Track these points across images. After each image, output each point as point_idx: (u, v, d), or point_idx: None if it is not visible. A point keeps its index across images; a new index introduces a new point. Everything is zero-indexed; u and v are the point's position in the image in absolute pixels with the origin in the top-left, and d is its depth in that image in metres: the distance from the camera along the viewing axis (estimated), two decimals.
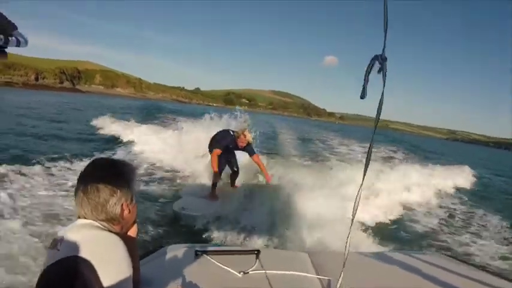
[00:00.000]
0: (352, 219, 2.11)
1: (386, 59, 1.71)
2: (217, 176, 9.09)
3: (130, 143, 15.90)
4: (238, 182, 10.11)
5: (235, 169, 9.84)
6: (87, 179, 1.73)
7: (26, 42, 1.32)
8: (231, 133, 9.22)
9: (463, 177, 16.07)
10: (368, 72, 1.72)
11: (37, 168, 9.94)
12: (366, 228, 8.46)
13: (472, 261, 3.78)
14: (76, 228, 1.68)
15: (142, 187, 10.01)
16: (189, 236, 7.24)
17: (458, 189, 14.57)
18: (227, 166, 9.68)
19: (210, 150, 9.19)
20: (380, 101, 1.78)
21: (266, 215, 8.04)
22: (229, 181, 10.07)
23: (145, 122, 20.32)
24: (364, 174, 2.00)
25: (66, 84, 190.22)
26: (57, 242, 1.62)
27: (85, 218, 1.71)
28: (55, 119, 24.89)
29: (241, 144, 8.99)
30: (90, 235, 1.63)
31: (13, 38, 1.25)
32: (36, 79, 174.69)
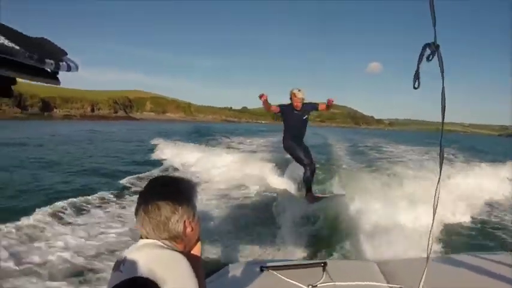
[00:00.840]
0: (432, 224, 2.04)
1: (438, 46, 1.65)
2: (299, 159, 9.10)
3: (189, 165, 16.14)
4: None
5: (312, 163, 9.34)
6: (147, 198, 1.70)
7: (77, 67, 1.32)
8: (287, 104, 8.89)
9: None
10: (419, 60, 1.67)
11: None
12: (434, 232, 8.20)
13: None
14: (138, 248, 1.64)
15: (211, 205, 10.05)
16: (250, 252, 7.12)
17: None
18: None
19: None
20: (442, 92, 1.72)
21: (328, 226, 7.93)
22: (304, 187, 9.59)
23: (199, 143, 20.56)
24: (439, 178, 1.93)
25: (120, 113, 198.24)
26: (119, 264, 1.60)
27: (147, 238, 1.68)
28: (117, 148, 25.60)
29: (297, 104, 8.68)
30: (153, 254, 1.59)
31: (64, 63, 1.25)
32: (92, 110, 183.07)
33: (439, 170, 1.89)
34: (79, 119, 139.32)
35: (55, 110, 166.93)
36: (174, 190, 1.73)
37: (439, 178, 1.88)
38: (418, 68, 1.71)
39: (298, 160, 9.25)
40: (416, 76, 1.73)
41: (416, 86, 1.75)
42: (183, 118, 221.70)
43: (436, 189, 1.92)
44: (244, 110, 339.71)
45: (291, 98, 8.68)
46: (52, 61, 1.18)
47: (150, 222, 1.65)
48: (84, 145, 26.77)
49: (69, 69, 1.27)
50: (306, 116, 9.02)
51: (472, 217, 9.85)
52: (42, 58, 1.14)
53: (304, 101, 8.75)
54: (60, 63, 1.22)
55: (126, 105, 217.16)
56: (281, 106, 8.88)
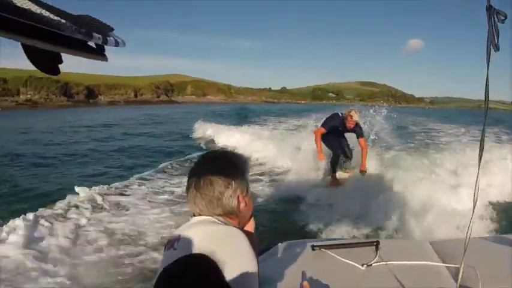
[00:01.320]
0: (474, 204, 2.05)
1: (491, 7, 1.60)
2: (334, 149, 9.55)
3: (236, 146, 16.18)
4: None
5: (349, 155, 9.91)
6: (198, 173, 1.64)
7: (124, 43, 1.27)
8: (340, 115, 9.27)
9: None
10: (491, 24, 1.61)
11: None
12: (482, 212, 7.93)
13: None
14: (192, 225, 1.59)
15: (257, 185, 10.06)
16: (304, 231, 7.20)
17: None
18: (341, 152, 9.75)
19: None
20: (487, 52, 1.65)
21: (378, 205, 7.84)
22: (343, 168, 10.06)
23: (241, 124, 20.58)
24: (480, 157, 1.86)
25: (163, 97, 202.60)
26: (173, 242, 1.55)
27: (200, 215, 1.63)
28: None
29: (350, 125, 9.01)
30: (209, 230, 1.53)
31: (111, 38, 1.21)
32: (135, 96, 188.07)
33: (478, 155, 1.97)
34: (123, 105, 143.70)
35: (99, 97, 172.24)
36: (226, 164, 1.68)
37: (480, 161, 1.96)
38: (492, 30, 1.63)
39: (331, 148, 9.83)
40: (494, 38, 1.65)
41: (496, 49, 1.66)
42: (223, 100, 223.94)
43: (478, 168, 1.98)
44: (283, 91, 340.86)
45: (346, 118, 9.03)
46: (100, 35, 1.15)
47: (203, 199, 1.61)
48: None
49: (117, 44, 1.24)
50: (348, 132, 9.54)
51: None
52: (90, 32, 1.10)
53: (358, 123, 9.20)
54: (108, 38, 1.19)
55: (167, 90, 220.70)
56: (328, 125, 9.35)
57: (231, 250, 1.46)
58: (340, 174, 9.99)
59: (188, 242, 1.48)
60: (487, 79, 1.70)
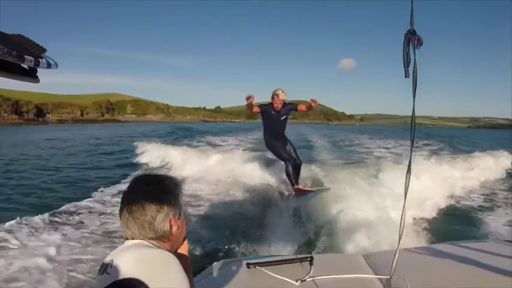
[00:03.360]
0: (402, 216, 2.19)
1: (414, 32, 1.64)
2: (280, 156, 9.05)
3: (172, 165, 15.89)
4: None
5: (297, 159, 9.23)
6: (131, 197, 1.59)
7: (56, 64, 1.26)
8: (268, 103, 8.79)
9: (503, 161, 15.54)
10: (404, 48, 1.64)
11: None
12: (414, 223, 8.13)
13: None
14: (125, 249, 1.53)
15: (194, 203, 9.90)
16: (235, 251, 7.03)
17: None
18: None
19: None
20: (414, 78, 1.68)
21: (312, 221, 7.87)
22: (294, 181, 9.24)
23: (179, 144, 20.30)
24: (409, 170, 1.93)
25: (106, 116, 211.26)
26: (106, 266, 1.49)
27: (133, 239, 1.58)
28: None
29: (277, 105, 8.54)
30: (142, 254, 1.48)
31: (43, 60, 1.19)
32: (82, 114, 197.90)
33: (408, 163, 2.08)
34: (72, 123, 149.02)
35: (48, 115, 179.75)
36: (158, 188, 1.63)
37: (409, 167, 2.09)
38: (405, 57, 1.66)
39: (279, 156, 9.23)
40: (406, 64, 1.67)
41: (407, 75, 1.69)
42: (163, 119, 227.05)
43: (406, 178, 2.12)
44: (218, 110, 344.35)
45: (272, 98, 8.57)
46: (31, 58, 1.13)
47: (135, 223, 1.55)
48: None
49: (49, 66, 1.22)
50: (285, 116, 8.94)
51: (455, 207, 9.87)
52: (22, 54, 1.08)
53: (285, 102, 8.68)
54: (40, 60, 1.17)
55: (109, 109, 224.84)
56: (261, 106, 8.80)
57: (162, 273, 1.42)
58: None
59: (120, 267, 1.42)
60: (413, 110, 1.74)
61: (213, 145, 20.01)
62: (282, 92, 8.53)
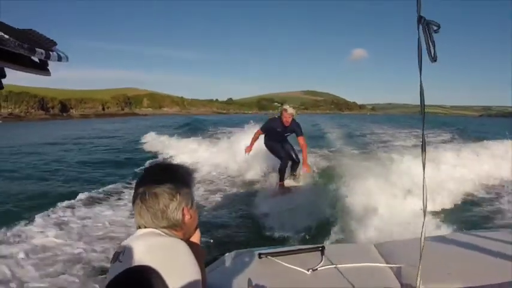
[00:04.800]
0: (425, 204, 1.94)
1: (421, 18, 1.57)
2: (280, 156, 9.18)
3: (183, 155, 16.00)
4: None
5: (295, 159, 9.46)
6: (144, 186, 1.59)
7: (67, 57, 1.28)
8: (277, 117, 8.98)
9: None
10: (426, 35, 1.55)
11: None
12: (428, 213, 8.00)
13: None
14: (137, 237, 1.55)
15: (202, 194, 9.96)
16: (251, 241, 6.96)
17: None
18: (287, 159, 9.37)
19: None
20: (419, 60, 1.61)
21: (324, 210, 7.78)
22: (292, 174, 9.71)
23: (195, 135, 20.34)
24: (424, 160, 1.81)
25: (126, 110, 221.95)
26: (118, 254, 1.51)
27: (145, 227, 1.58)
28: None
29: (286, 120, 8.65)
30: (154, 242, 1.50)
31: (54, 53, 1.20)
32: (103, 109, 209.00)
33: (421, 152, 1.85)
34: (94, 118, 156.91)
35: (71, 110, 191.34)
36: (171, 177, 1.63)
37: (424, 164, 1.84)
38: (427, 40, 1.56)
39: (276, 155, 9.39)
40: (431, 47, 1.56)
41: (434, 59, 1.57)
42: (178, 112, 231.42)
43: (423, 171, 1.87)
44: (230, 102, 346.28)
45: (281, 113, 8.72)
46: (42, 50, 1.13)
47: (148, 211, 1.56)
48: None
49: (59, 59, 1.23)
50: (288, 134, 9.14)
51: (468, 196, 9.70)
52: (33, 47, 1.08)
53: (294, 116, 8.87)
54: (51, 53, 1.17)
55: (126, 103, 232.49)
56: (264, 128, 9.12)
57: (173, 261, 1.43)
58: (288, 182, 9.69)
59: (132, 255, 1.43)
60: (421, 88, 1.65)
61: (226, 136, 19.86)
62: (291, 107, 8.78)
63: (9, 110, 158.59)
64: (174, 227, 1.60)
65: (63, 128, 49.89)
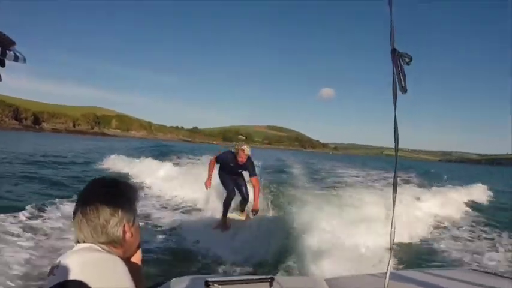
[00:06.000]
0: (392, 241, 1.82)
1: (395, 50, 1.55)
2: (230, 189, 8.93)
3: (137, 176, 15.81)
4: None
5: (245, 196, 9.23)
6: (85, 199, 1.51)
7: (24, 59, 1.25)
8: (232, 151, 8.83)
9: (479, 194, 15.71)
10: (397, 67, 1.54)
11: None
12: (385, 250, 7.99)
13: (507, 274, 3.45)
14: (74, 252, 1.46)
15: (151, 217, 9.76)
16: (198, 268, 6.80)
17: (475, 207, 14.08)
18: (237, 192, 9.15)
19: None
20: (394, 93, 1.58)
21: (277, 243, 7.68)
22: (239, 209, 9.50)
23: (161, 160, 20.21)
24: (394, 198, 1.79)
25: (96, 129, 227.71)
26: (53, 269, 1.40)
27: (84, 242, 1.50)
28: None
29: (241, 159, 8.49)
30: (89, 258, 1.42)
31: (11, 52, 1.17)
32: (74, 125, 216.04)
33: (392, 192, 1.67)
34: (65, 133, 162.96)
35: (43, 123, 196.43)
36: (114, 192, 1.56)
37: (394, 202, 1.67)
38: (398, 72, 1.55)
39: (226, 187, 9.13)
40: (401, 80, 1.55)
41: (403, 90, 1.56)
42: (145, 136, 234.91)
43: (393, 208, 1.71)
44: (195, 130, 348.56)
45: (237, 152, 8.56)
46: None
47: (88, 225, 1.47)
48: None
49: (16, 59, 1.20)
50: (241, 171, 8.97)
51: (426, 236, 9.79)
52: None
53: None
54: (8, 52, 1.15)
55: (95, 122, 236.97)
56: (219, 158, 8.94)
57: (106, 278, 1.36)
58: (234, 216, 9.40)
59: (66, 269, 1.35)
60: (396, 121, 1.63)
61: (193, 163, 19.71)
62: (247, 147, 8.65)
63: None
64: (113, 243, 1.51)
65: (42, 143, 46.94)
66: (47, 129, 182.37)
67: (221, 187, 9.34)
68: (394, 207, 1.83)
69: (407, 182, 19.83)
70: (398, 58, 1.58)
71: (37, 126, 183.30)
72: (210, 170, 8.84)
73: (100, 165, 20.80)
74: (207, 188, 8.97)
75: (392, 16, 1.54)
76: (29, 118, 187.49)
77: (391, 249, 1.88)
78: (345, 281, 3.25)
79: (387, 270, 1.92)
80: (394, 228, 1.83)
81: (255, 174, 8.83)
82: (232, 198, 9.03)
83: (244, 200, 9.28)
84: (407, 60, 1.58)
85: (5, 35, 1.17)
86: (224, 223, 8.83)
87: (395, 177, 1.74)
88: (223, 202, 9.01)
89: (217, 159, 8.83)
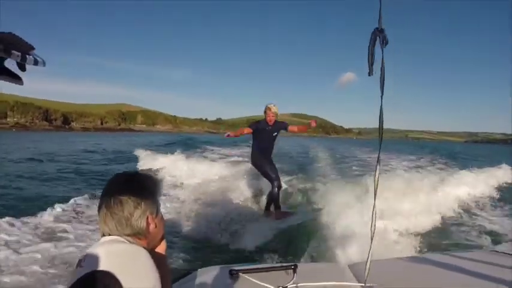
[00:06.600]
0: (372, 225, 1.98)
1: (382, 30, 1.64)
2: (266, 175, 8.65)
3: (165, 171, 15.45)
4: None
5: (280, 183, 8.79)
6: (110, 193, 1.56)
7: (44, 62, 1.24)
8: (261, 120, 8.63)
9: (504, 175, 15.37)
10: (369, 46, 1.63)
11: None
12: (410, 234, 7.92)
13: None
14: (100, 244, 1.50)
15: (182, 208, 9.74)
16: (224, 257, 6.67)
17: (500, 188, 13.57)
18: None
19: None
20: (381, 75, 1.68)
21: (301, 230, 7.66)
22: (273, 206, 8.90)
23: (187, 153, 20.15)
24: (376, 179, 1.89)
25: (122, 125, 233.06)
26: (81, 261, 1.44)
27: (109, 235, 1.54)
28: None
29: (270, 119, 8.33)
30: (114, 248, 1.47)
31: (30, 56, 1.17)
32: (101, 123, 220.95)
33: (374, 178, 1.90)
34: (94, 131, 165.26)
35: (72, 123, 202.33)
36: (137, 185, 1.61)
37: (376, 184, 1.91)
38: (370, 55, 1.65)
39: (266, 175, 8.79)
40: (370, 62, 1.66)
41: (369, 73, 1.69)
42: (170, 129, 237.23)
43: (375, 172, 1.91)
44: (219, 121, 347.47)
45: (265, 112, 8.43)
46: (19, 53, 1.10)
47: (113, 218, 1.52)
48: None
49: (35, 63, 1.20)
50: (276, 133, 8.72)
51: (450, 220, 9.63)
52: (8, 48, 1.07)
53: (278, 117, 8.57)
54: (27, 56, 1.15)
55: (121, 118, 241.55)
56: (252, 126, 8.61)
57: (131, 267, 1.41)
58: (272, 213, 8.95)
59: (93, 260, 1.40)
60: (381, 108, 1.70)
61: (216, 155, 19.64)
62: (274, 105, 8.46)
63: (15, 119, 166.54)
64: (138, 235, 1.56)
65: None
66: (76, 128, 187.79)
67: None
68: (375, 191, 1.86)
69: (431, 164, 19.57)
70: (380, 38, 1.61)
71: (67, 126, 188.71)
72: (239, 132, 8.66)
73: (130, 162, 20.86)
74: (226, 135, 8.60)
75: None
76: (59, 119, 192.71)
77: (371, 239, 1.93)
78: (369, 266, 3.27)
79: (368, 257, 1.97)
80: (375, 215, 1.88)
81: (287, 124, 8.78)
82: (279, 191, 8.69)
83: (280, 188, 8.80)
84: (385, 43, 1.62)
85: (23, 40, 1.19)
86: (280, 214, 8.61)
87: (378, 157, 1.77)
88: (270, 193, 8.69)
89: (253, 127, 8.52)
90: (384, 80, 1.67)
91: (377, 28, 1.60)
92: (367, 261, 1.94)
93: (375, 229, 1.92)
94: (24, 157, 21.09)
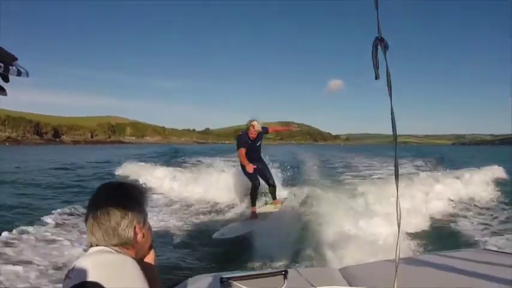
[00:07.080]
0: (399, 226, 1.77)
1: (383, 39, 1.57)
2: (254, 179, 8.76)
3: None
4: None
5: (271, 182, 9.22)
6: (96, 204, 1.53)
7: (27, 73, 1.25)
8: (244, 132, 8.74)
9: (494, 176, 15.42)
10: (372, 56, 1.55)
11: None
12: (405, 235, 7.90)
13: None
14: (88, 255, 1.48)
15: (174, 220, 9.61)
16: (214, 265, 6.69)
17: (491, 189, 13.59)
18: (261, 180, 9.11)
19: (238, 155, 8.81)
20: (388, 82, 1.56)
21: (292, 235, 7.63)
22: (272, 198, 9.51)
23: (173, 165, 20.10)
24: (397, 183, 1.71)
25: (113, 137, 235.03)
26: (69, 272, 1.44)
27: (97, 246, 1.51)
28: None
29: (252, 135, 8.52)
30: (102, 259, 1.45)
31: (14, 67, 1.17)
32: (92, 136, 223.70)
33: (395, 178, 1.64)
34: (84, 144, 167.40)
35: (63, 136, 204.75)
36: (123, 195, 1.58)
37: (397, 187, 1.68)
38: (374, 59, 1.55)
39: (262, 176, 9.11)
40: (375, 67, 1.55)
41: (377, 77, 1.57)
42: (159, 141, 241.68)
43: (396, 192, 1.73)
44: (207, 132, 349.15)
45: (248, 129, 8.60)
46: (1, 64, 1.11)
47: (100, 228, 1.49)
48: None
49: (19, 74, 1.19)
50: (260, 141, 8.97)
51: (442, 220, 9.66)
52: None
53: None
54: (10, 67, 1.15)
55: (111, 131, 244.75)
56: (244, 145, 8.68)
57: (119, 277, 1.38)
58: (266, 208, 9.37)
59: (81, 271, 1.38)
60: (392, 113, 1.62)
61: (204, 165, 19.65)
62: (257, 122, 8.59)
63: (6, 133, 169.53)
64: (125, 244, 1.53)
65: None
66: (66, 141, 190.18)
67: (240, 179, 9.49)
68: (397, 194, 1.82)
69: (420, 168, 19.72)
70: (381, 45, 1.59)
71: (57, 140, 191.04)
72: (243, 157, 8.55)
73: (115, 172, 20.75)
74: (252, 171, 8.46)
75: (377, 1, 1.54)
76: (49, 132, 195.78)
77: (398, 237, 1.87)
78: (359, 269, 3.23)
79: (396, 255, 1.90)
80: (400, 216, 1.82)
81: (267, 128, 9.22)
82: (258, 187, 8.99)
83: (271, 186, 9.26)
84: (386, 49, 1.59)
85: (5, 51, 1.18)
86: (254, 213, 8.86)
87: (396, 167, 1.72)
88: (250, 194, 9.07)
89: (244, 145, 8.59)
90: (391, 86, 1.64)
91: (377, 37, 1.59)
92: (396, 259, 1.88)
93: (400, 230, 1.88)
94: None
